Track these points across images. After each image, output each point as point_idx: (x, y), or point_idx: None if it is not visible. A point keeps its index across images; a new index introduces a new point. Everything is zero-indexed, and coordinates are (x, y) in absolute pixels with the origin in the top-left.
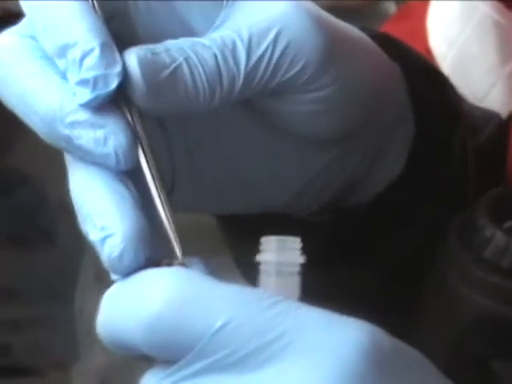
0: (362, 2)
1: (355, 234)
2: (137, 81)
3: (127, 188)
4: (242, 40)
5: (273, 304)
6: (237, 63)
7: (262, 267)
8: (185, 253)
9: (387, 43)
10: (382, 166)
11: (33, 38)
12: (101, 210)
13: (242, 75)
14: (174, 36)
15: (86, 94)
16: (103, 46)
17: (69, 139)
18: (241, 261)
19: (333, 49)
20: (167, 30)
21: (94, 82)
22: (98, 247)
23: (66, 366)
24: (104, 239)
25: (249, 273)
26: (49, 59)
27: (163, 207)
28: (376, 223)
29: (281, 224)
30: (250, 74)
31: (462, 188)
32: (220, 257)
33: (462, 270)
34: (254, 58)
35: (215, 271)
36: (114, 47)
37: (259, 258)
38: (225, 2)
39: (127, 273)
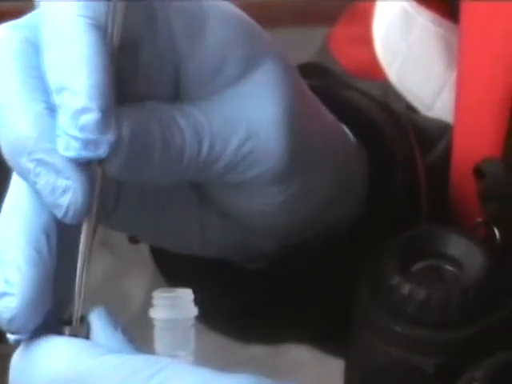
0: None
1: (290, 283)
2: (122, 153)
3: (48, 243)
4: (210, 135)
5: (155, 373)
6: (198, 154)
7: (156, 323)
8: None
9: (327, 95)
10: (327, 232)
11: (34, 46)
12: (12, 261)
13: (197, 166)
14: (164, 83)
15: (73, 150)
16: (104, 110)
17: (28, 173)
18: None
19: (296, 164)
20: (162, 75)
21: (85, 144)
22: None
23: None
24: (3, 295)
25: None
26: (43, 81)
27: (81, 277)
28: (313, 276)
29: (216, 266)
30: (205, 167)
31: (414, 216)
32: None
33: (368, 318)
34: (215, 155)
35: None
36: (114, 110)
37: (152, 314)
38: (224, 74)
39: (15, 334)
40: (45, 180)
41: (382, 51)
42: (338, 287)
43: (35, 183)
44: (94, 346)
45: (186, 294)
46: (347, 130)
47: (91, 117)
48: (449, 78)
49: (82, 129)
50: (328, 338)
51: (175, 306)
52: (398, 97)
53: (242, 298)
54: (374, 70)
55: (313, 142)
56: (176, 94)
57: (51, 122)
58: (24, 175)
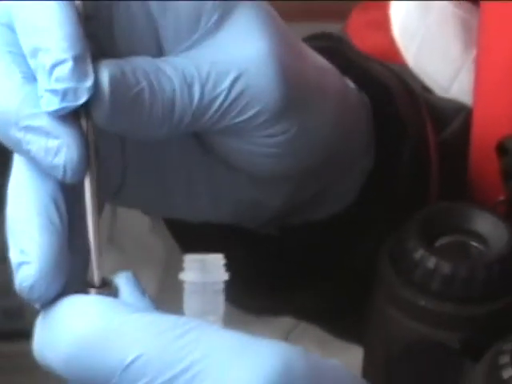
0: None
1: (301, 249)
2: (104, 99)
3: (57, 210)
4: (200, 79)
5: (185, 333)
6: (190, 100)
7: (185, 286)
8: None
9: (338, 56)
10: (335, 193)
11: (9, 27)
12: (24, 232)
13: (191, 112)
14: (144, 44)
15: (54, 103)
16: (77, 59)
17: (19, 143)
18: None
19: (292, 100)
20: (140, 36)
21: (64, 94)
22: (13, 268)
23: None
24: (20, 264)
25: None
26: (18, 55)
27: (94, 234)
28: (326, 240)
29: (229, 232)
30: (200, 112)
31: (421, 190)
32: None
33: (390, 292)
34: (207, 99)
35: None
36: (89, 59)
37: (183, 276)
38: (202, 24)
39: (37, 302)
40: (37, 145)
41: (400, 34)
42: (337, 262)
43: (29, 151)
44: (123, 304)
45: (217, 259)
46: (345, 78)
47: (66, 66)
48: (466, 60)
49: (58, 80)
50: (329, 314)
51: (205, 269)
52: (414, 78)
53: (252, 264)
54: (391, 55)
55: (305, 79)
56: (160, 53)
57: (31, 89)
58: (17, 147)
